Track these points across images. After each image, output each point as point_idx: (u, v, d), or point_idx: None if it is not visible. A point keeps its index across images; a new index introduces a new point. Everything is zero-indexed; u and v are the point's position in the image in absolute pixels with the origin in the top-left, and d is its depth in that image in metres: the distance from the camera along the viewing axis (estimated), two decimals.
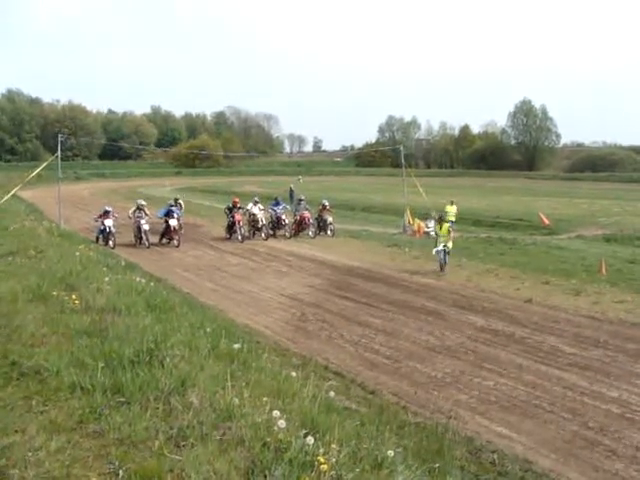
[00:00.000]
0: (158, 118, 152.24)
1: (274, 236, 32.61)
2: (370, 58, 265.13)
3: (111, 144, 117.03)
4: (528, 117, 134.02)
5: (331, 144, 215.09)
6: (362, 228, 35.31)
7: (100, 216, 29.73)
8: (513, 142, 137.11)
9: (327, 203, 34.01)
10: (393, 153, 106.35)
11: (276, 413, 6.16)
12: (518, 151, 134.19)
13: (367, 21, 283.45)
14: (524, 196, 62.34)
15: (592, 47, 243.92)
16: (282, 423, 5.90)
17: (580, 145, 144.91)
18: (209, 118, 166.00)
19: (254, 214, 32.22)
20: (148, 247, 29.16)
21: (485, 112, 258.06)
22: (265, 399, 6.79)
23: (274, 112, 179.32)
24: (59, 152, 35.66)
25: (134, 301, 12.14)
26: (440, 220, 23.99)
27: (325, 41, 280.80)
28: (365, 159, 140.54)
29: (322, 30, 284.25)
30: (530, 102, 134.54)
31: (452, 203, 35.17)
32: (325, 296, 19.11)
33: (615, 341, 14.31)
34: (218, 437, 5.78)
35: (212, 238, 32.25)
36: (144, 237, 29.62)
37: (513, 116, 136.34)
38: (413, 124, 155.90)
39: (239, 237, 30.91)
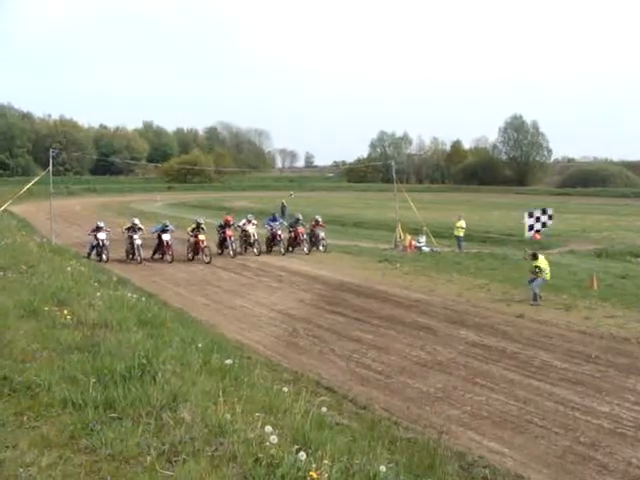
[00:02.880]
0: (150, 133, 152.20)
1: (270, 252, 32.25)
2: (362, 73, 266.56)
3: (103, 159, 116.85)
4: (519, 132, 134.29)
5: (323, 159, 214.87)
6: (353, 243, 35.35)
7: (93, 231, 29.54)
8: (504, 157, 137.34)
9: (320, 219, 33.95)
10: (384, 168, 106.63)
11: (268, 428, 6.18)
12: (509, 166, 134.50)
13: (359, 37, 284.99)
14: (515, 211, 62.47)
15: (583, 62, 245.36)
16: (274, 439, 5.91)
17: (571, 160, 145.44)
18: (201, 133, 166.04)
19: (246, 230, 31.87)
20: (140, 262, 28.87)
21: (477, 127, 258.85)
22: (257, 414, 6.80)
23: (266, 127, 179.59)
24: (50, 167, 35.66)
25: (125, 316, 12.14)
26: (534, 257, 20.75)
27: (318, 56, 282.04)
28: (357, 174, 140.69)
29: (315, 46, 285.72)
30: (521, 117, 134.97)
31: (460, 218, 34.66)
32: (316, 311, 19.10)
33: (606, 356, 14.34)
34: (210, 453, 5.78)
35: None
36: (137, 252, 29.22)
37: (504, 131, 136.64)
38: (405, 139, 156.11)
39: (230, 252, 30.54)
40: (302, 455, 5.67)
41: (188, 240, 30.47)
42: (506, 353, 14.54)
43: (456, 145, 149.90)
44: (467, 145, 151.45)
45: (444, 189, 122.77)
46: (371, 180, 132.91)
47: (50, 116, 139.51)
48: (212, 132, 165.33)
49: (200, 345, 10.60)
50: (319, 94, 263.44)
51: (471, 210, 55.56)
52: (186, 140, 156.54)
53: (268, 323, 17.73)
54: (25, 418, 6.48)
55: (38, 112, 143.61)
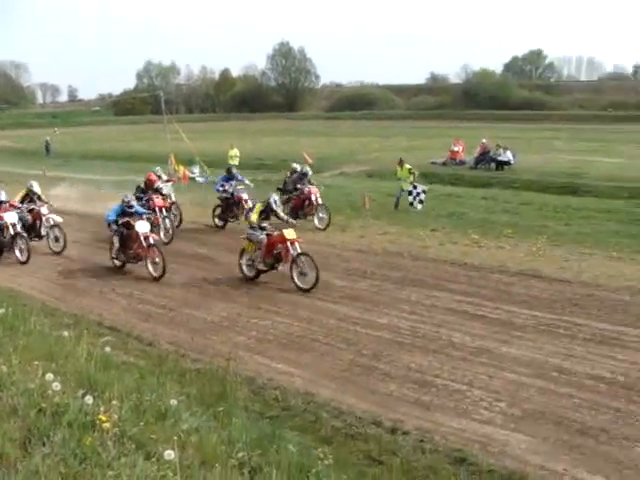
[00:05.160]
0: None
1: (223, 227, 21.59)
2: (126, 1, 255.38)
3: None
4: (287, 59, 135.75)
5: (87, 93, 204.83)
6: (126, 178, 34.27)
7: None
8: (273, 84, 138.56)
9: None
10: (153, 100, 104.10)
11: (49, 376, 5.89)
12: (279, 93, 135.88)
13: None
14: (287, 137, 63.42)
15: None
16: (57, 386, 5.65)
17: (339, 85, 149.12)
18: None
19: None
20: (25, 262, 17.13)
21: (245, 55, 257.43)
22: (36, 363, 6.48)
23: (23, 60, 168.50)
24: None
25: None
26: (401, 162, 23.24)
27: None
28: (124, 107, 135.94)
29: None
30: (288, 44, 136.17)
31: (232, 147, 34.85)
32: (92, 250, 18.41)
33: (381, 271, 15.05)
34: None
35: None
36: (19, 243, 17.35)
37: (272, 58, 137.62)
38: (172, 69, 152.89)
39: (163, 236, 18.47)
40: (89, 399, 5.48)
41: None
42: (286, 277, 14.74)
43: (225, 73, 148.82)
44: (236, 73, 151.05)
45: (215, 118, 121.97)
46: (140, 112, 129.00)
47: None
48: None
49: None
50: (77, 19, 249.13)
51: (243, 138, 55.64)
52: None
53: (42, 267, 16.89)
54: None
55: None
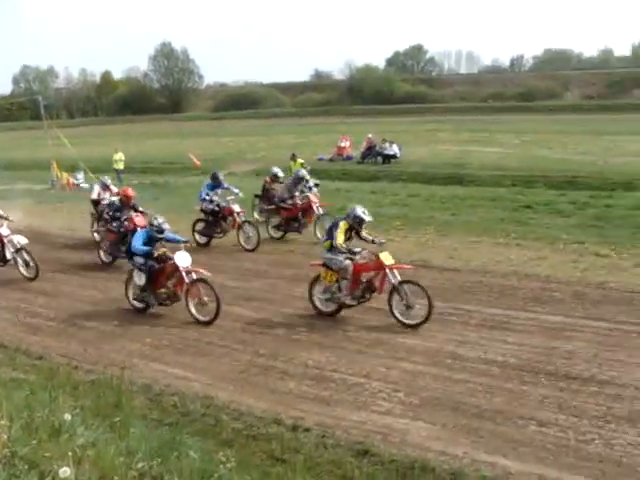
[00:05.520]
0: None
1: (207, 245, 18.34)
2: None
3: None
4: (169, 60, 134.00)
5: None
6: (4, 188, 33.06)
7: None
8: (157, 85, 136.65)
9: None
10: (32, 105, 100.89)
11: None
12: (162, 94, 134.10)
13: None
14: (172, 139, 62.58)
15: None
16: None
17: (223, 85, 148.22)
18: None
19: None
20: None
21: (127, 57, 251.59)
22: None
23: None
24: None
25: None
26: (294, 157, 24.89)
27: None
28: (1, 113, 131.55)
29: None
30: (170, 44, 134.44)
31: (117, 150, 34.25)
32: None
33: (275, 270, 15.07)
34: None
35: None
36: None
37: (154, 59, 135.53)
38: (50, 73, 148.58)
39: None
40: None
41: None
42: None
43: (106, 76, 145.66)
44: (118, 75, 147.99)
45: (98, 122, 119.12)
46: (18, 118, 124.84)
47: None
48: None
49: None
50: None
51: (127, 141, 54.55)
52: None
53: None
54: None
55: None
